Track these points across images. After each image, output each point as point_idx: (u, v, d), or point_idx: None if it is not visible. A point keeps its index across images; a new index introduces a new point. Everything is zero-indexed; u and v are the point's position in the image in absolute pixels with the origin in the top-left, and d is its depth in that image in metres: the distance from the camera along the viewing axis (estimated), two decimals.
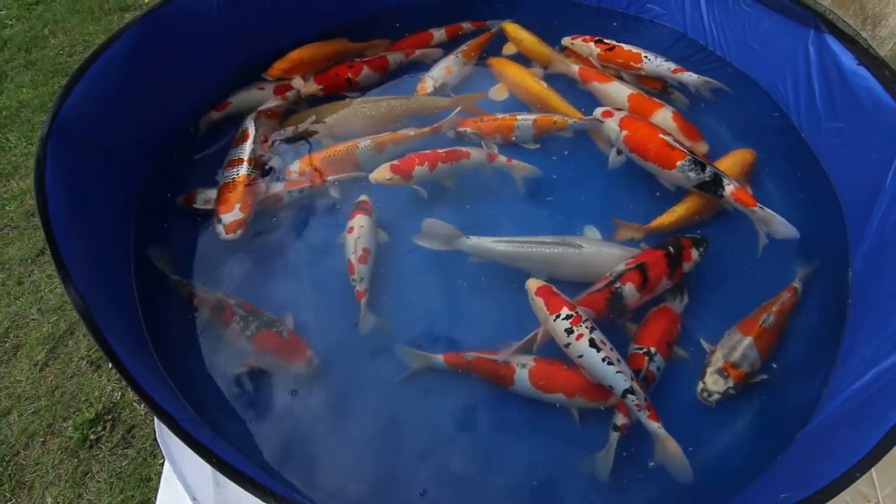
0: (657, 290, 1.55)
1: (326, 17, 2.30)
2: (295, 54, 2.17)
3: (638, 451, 1.37)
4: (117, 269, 1.64)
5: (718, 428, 1.43)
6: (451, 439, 1.44)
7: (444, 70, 2.15)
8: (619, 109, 1.91)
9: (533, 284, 1.51)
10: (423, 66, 2.26)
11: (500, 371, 1.44)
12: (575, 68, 2.05)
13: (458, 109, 1.97)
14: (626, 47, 2.11)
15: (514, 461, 1.41)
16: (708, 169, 1.68)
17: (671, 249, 1.58)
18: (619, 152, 1.84)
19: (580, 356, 1.38)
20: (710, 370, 1.45)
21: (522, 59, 2.24)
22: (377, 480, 1.39)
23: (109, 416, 1.92)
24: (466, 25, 2.36)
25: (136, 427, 1.89)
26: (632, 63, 2.09)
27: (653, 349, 1.45)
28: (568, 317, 1.41)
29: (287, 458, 1.43)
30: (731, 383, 1.41)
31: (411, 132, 1.95)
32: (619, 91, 1.99)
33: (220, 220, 1.70)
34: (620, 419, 1.37)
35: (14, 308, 2.21)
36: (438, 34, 2.32)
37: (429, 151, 1.80)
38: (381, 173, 1.75)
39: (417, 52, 2.27)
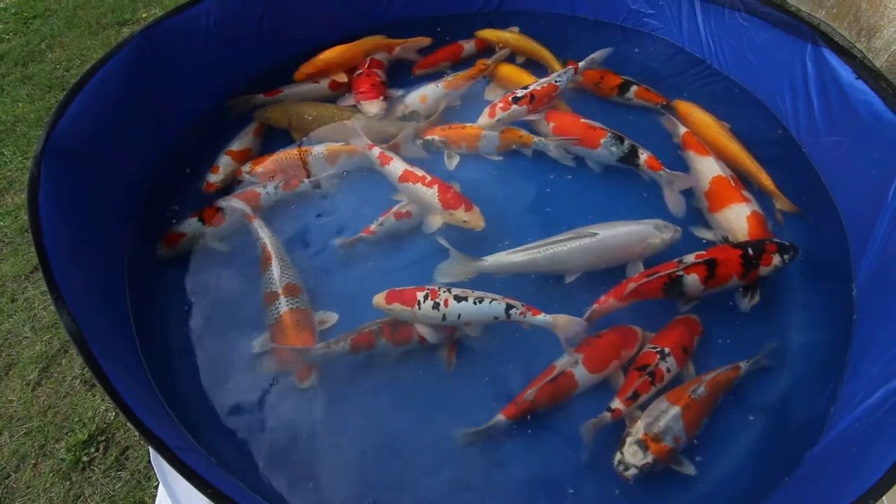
0: (725, 286, 1.54)
1: (321, 34, 2.30)
2: (321, 58, 2.19)
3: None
4: (112, 289, 1.61)
5: (725, 445, 1.40)
6: (452, 456, 1.40)
7: (419, 98, 2.11)
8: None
9: (379, 299, 1.52)
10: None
11: (563, 384, 1.42)
12: (682, 130, 1.96)
13: (413, 125, 1.98)
14: (539, 86, 1.98)
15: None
16: (626, 142, 1.85)
17: (750, 251, 1.53)
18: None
19: (459, 316, 1.45)
20: (629, 440, 1.31)
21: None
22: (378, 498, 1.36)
23: (103, 438, 1.88)
24: (498, 49, 2.30)
25: (129, 448, 1.85)
26: (553, 94, 2.00)
27: (667, 349, 1.45)
28: (426, 297, 1.46)
29: (288, 479, 1.39)
30: (650, 458, 1.28)
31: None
32: (708, 168, 1.81)
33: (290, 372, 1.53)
34: (617, 403, 1.39)
35: (7, 326, 2.17)
36: (468, 46, 2.33)
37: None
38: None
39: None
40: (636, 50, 2.34)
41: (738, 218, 1.66)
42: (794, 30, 1.91)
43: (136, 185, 1.87)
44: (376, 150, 1.87)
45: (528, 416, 1.41)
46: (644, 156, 1.83)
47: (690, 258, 1.53)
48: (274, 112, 2.10)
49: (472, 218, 1.70)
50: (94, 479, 1.80)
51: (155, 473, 1.58)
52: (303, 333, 1.53)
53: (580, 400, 1.46)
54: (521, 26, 2.39)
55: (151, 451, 1.42)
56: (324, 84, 2.19)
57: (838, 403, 1.39)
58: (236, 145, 2.03)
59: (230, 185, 1.95)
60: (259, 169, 1.93)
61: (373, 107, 2.05)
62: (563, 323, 1.42)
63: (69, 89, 1.63)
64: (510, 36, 2.31)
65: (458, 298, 1.45)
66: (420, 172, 1.79)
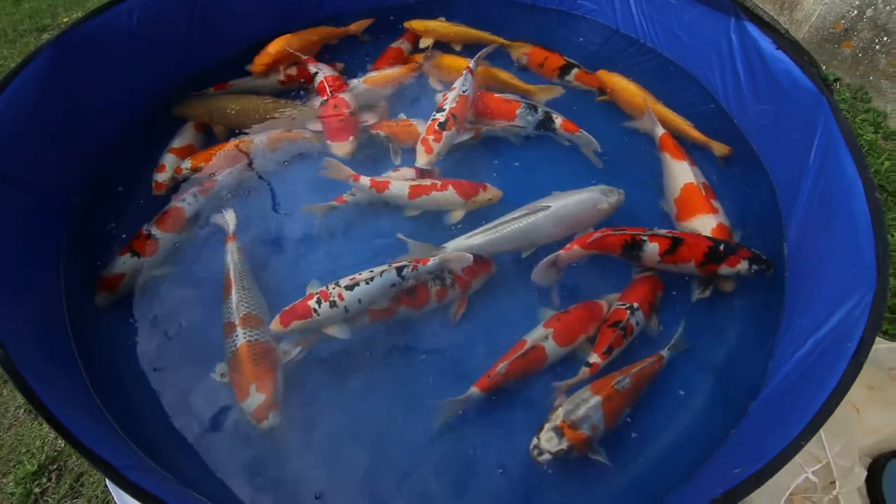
0: (681, 267, 1.58)
1: (255, 31, 2.23)
2: (272, 48, 2.13)
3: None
4: (49, 313, 1.53)
5: (670, 408, 1.47)
6: (427, 457, 1.41)
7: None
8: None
9: (275, 326, 1.44)
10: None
11: (533, 357, 1.46)
12: (660, 131, 1.92)
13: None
14: (453, 102, 1.86)
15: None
16: (539, 109, 1.94)
17: (720, 247, 1.55)
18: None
19: (360, 301, 1.45)
20: (547, 426, 1.31)
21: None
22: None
23: (55, 466, 1.79)
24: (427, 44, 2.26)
25: (84, 475, 1.77)
26: (468, 104, 1.91)
27: (635, 304, 1.53)
28: (319, 301, 1.43)
29: (249, 487, 1.37)
30: (564, 445, 1.28)
31: (306, 133, 1.95)
32: (680, 174, 1.79)
33: (243, 410, 1.41)
34: (594, 358, 1.45)
35: None
36: (405, 45, 2.30)
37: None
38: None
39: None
40: (580, 39, 2.37)
41: (703, 228, 1.67)
42: (717, 5, 1.99)
43: (67, 197, 1.77)
44: (366, 180, 1.71)
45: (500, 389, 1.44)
46: (559, 120, 1.92)
47: (662, 231, 1.58)
48: (193, 107, 2.03)
49: (493, 194, 1.76)
50: None
51: (113, 497, 1.52)
52: (260, 367, 1.42)
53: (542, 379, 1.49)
54: (461, 14, 2.39)
55: None
56: (274, 78, 2.13)
57: (775, 358, 1.47)
58: (178, 142, 1.97)
59: (178, 182, 1.89)
60: (200, 164, 1.87)
61: (342, 149, 1.89)
62: (454, 256, 1.52)
63: None
64: (438, 25, 2.29)
65: (349, 287, 1.43)
66: (427, 181, 1.73)
